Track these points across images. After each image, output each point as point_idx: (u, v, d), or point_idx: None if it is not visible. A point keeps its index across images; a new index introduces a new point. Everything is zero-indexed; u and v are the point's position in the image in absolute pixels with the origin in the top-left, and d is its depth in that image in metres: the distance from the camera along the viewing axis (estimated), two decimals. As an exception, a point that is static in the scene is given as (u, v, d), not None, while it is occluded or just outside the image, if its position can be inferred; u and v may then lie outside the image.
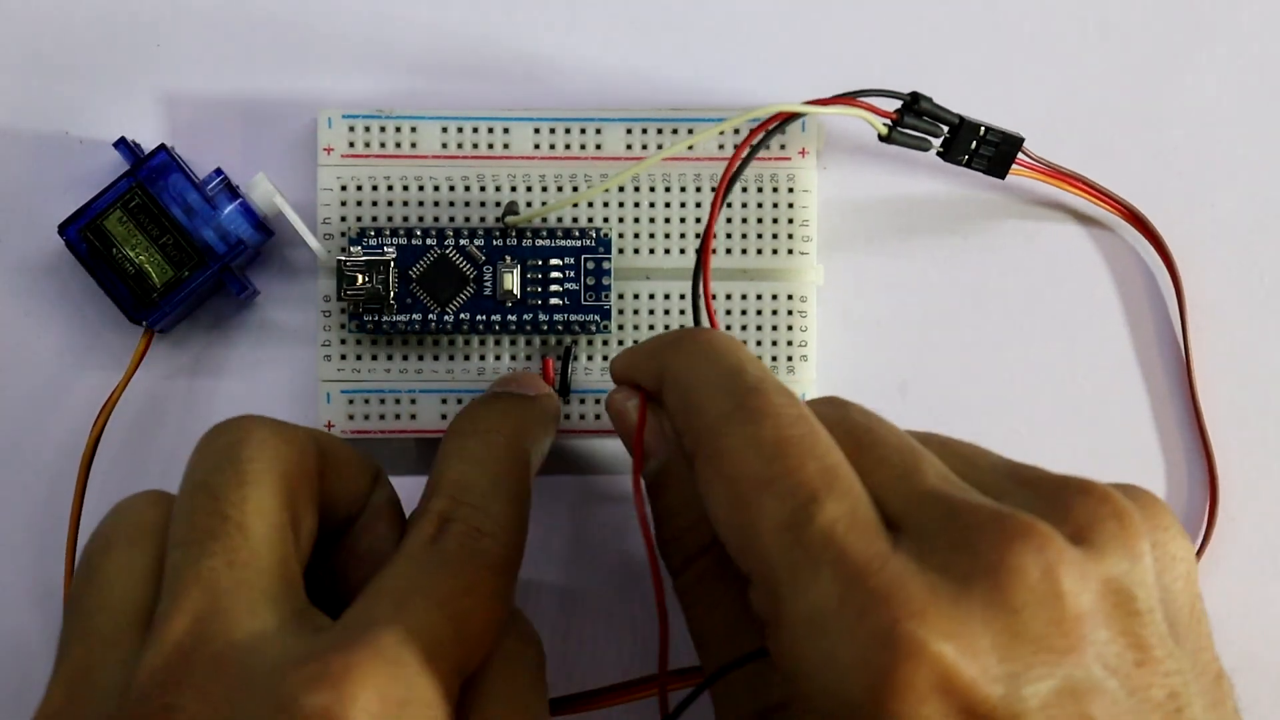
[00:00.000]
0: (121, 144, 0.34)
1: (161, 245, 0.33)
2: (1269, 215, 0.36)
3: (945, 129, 0.34)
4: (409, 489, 0.35)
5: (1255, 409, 0.35)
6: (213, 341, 0.35)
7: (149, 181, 0.33)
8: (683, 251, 0.34)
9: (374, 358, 0.34)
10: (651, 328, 0.34)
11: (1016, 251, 0.36)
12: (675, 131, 0.34)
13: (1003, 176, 0.34)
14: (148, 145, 0.34)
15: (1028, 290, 0.36)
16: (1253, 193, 0.36)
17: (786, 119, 0.33)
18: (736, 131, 0.34)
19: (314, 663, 0.23)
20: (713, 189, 0.34)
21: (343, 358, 0.34)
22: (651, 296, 0.34)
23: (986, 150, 0.34)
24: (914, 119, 0.33)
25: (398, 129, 0.34)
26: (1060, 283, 0.36)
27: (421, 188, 0.34)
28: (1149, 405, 0.35)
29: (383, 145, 0.34)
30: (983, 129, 0.34)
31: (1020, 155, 0.34)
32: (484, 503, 0.28)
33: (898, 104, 0.33)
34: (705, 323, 0.33)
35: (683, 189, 0.34)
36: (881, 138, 0.33)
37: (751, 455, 0.24)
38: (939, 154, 0.34)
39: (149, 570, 0.26)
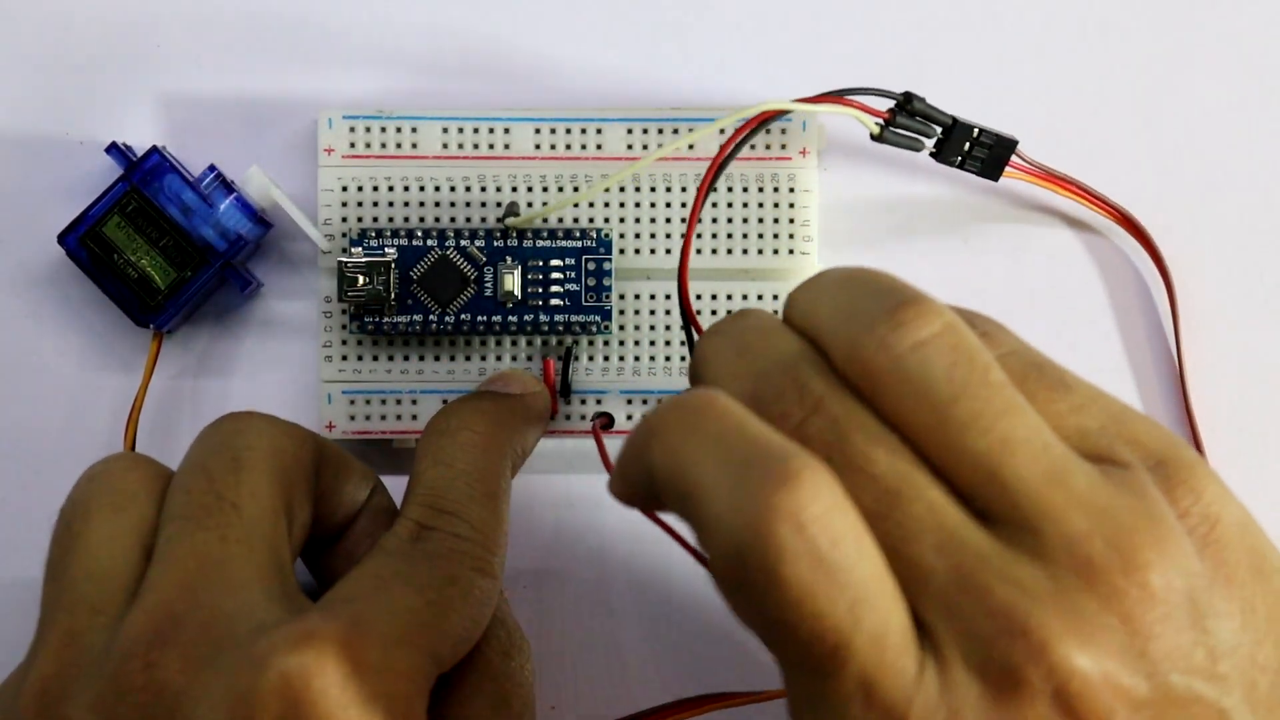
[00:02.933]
0: (113, 149, 0.34)
1: (162, 247, 0.33)
2: (1263, 220, 0.36)
3: (938, 130, 0.33)
4: (411, 490, 0.35)
5: (1247, 412, 0.35)
6: (218, 338, 0.35)
7: (144, 184, 0.33)
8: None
9: (375, 359, 0.34)
10: (652, 328, 0.34)
11: (1012, 252, 0.36)
12: (675, 131, 0.34)
13: (996, 179, 0.34)
14: (147, 146, 0.34)
15: (1022, 290, 0.36)
16: (1248, 197, 0.36)
17: (773, 116, 0.32)
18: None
19: (290, 625, 0.24)
20: (713, 188, 0.34)
21: (344, 358, 0.34)
22: (652, 297, 0.34)
23: (980, 152, 0.34)
24: (906, 119, 0.33)
25: (398, 129, 0.34)
26: (1054, 284, 0.36)
27: (422, 188, 0.34)
28: (1141, 406, 0.36)
29: (383, 146, 0.34)
30: (976, 131, 0.33)
31: (1014, 158, 0.34)
32: (459, 508, 0.28)
33: (890, 103, 0.33)
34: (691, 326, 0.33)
35: (683, 189, 0.34)
36: (873, 137, 0.33)
37: (777, 603, 0.20)
38: (931, 154, 0.34)
39: (132, 536, 0.26)
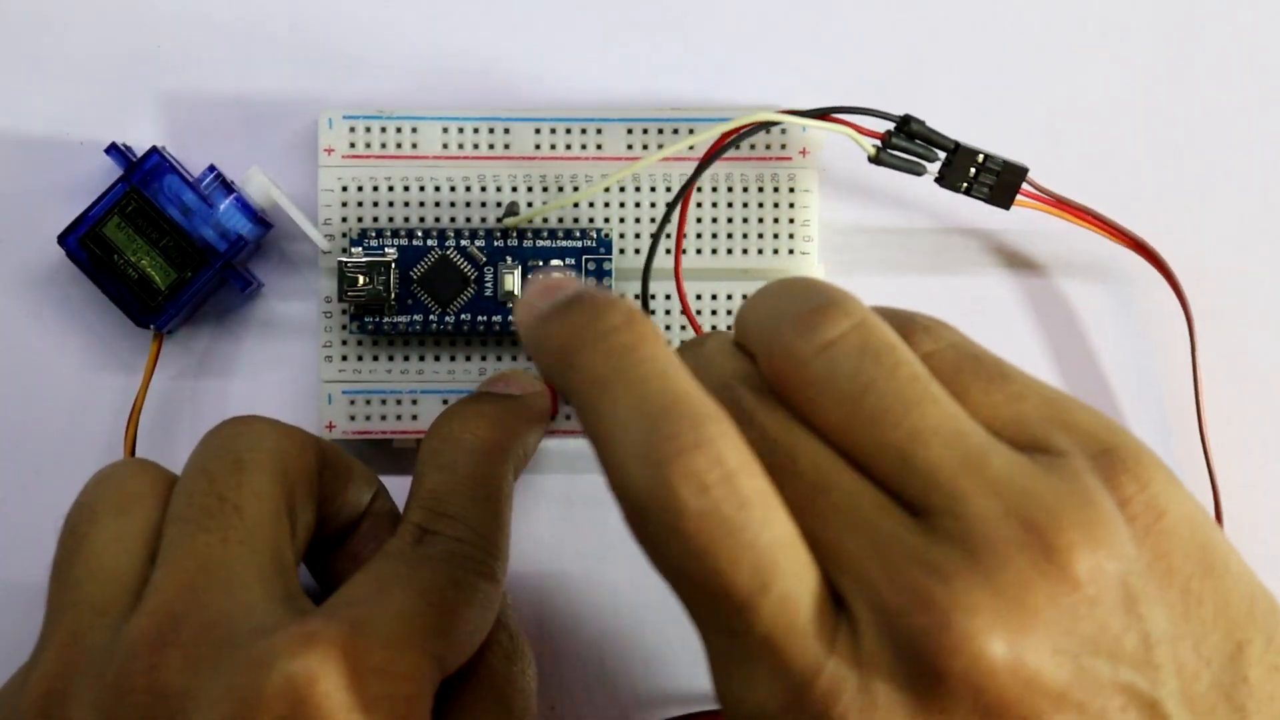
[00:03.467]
0: (113, 149, 0.34)
1: (162, 248, 0.33)
2: (1275, 244, 0.36)
3: (941, 154, 0.33)
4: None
5: (1266, 445, 0.35)
6: (218, 339, 0.35)
7: (143, 185, 0.33)
8: (684, 252, 0.34)
9: (375, 359, 0.34)
10: (652, 328, 0.34)
11: (1020, 279, 0.35)
12: (675, 131, 0.34)
13: (1007, 207, 0.33)
14: (147, 146, 0.34)
15: (1031, 317, 0.35)
16: (1266, 225, 0.36)
17: (760, 126, 0.32)
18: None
19: (293, 627, 0.24)
20: (714, 188, 0.34)
21: (344, 358, 0.34)
22: (653, 297, 0.34)
23: (987, 178, 0.33)
24: (905, 141, 0.32)
25: (398, 129, 0.34)
26: (1065, 311, 0.35)
27: (422, 188, 0.34)
28: (1153, 422, 0.35)
29: (383, 146, 0.34)
30: (981, 156, 0.33)
31: (1025, 185, 0.33)
32: (461, 512, 0.28)
33: (889, 125, 0.32)
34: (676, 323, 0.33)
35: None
36: (871, 159, 0.32)
37: (679, 555, 0.20)
38: (936, 180, 0.33)
39: (137, 539, 0.26)
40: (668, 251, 0.34)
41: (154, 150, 0.34)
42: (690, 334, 0.34)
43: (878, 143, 0.33)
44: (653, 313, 0.34)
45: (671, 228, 0.34)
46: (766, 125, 0.33)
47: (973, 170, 0.33)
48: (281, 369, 0.35)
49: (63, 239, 0.33)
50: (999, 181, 0.33)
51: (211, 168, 0.34)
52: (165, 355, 0.35)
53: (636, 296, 0.34)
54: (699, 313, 0.34)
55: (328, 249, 0.34)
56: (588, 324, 0.22)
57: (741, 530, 0.20)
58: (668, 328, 0.34)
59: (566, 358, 0.22)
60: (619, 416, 0.21)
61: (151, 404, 0.35)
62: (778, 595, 0.20)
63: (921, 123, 0.32)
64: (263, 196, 0.34)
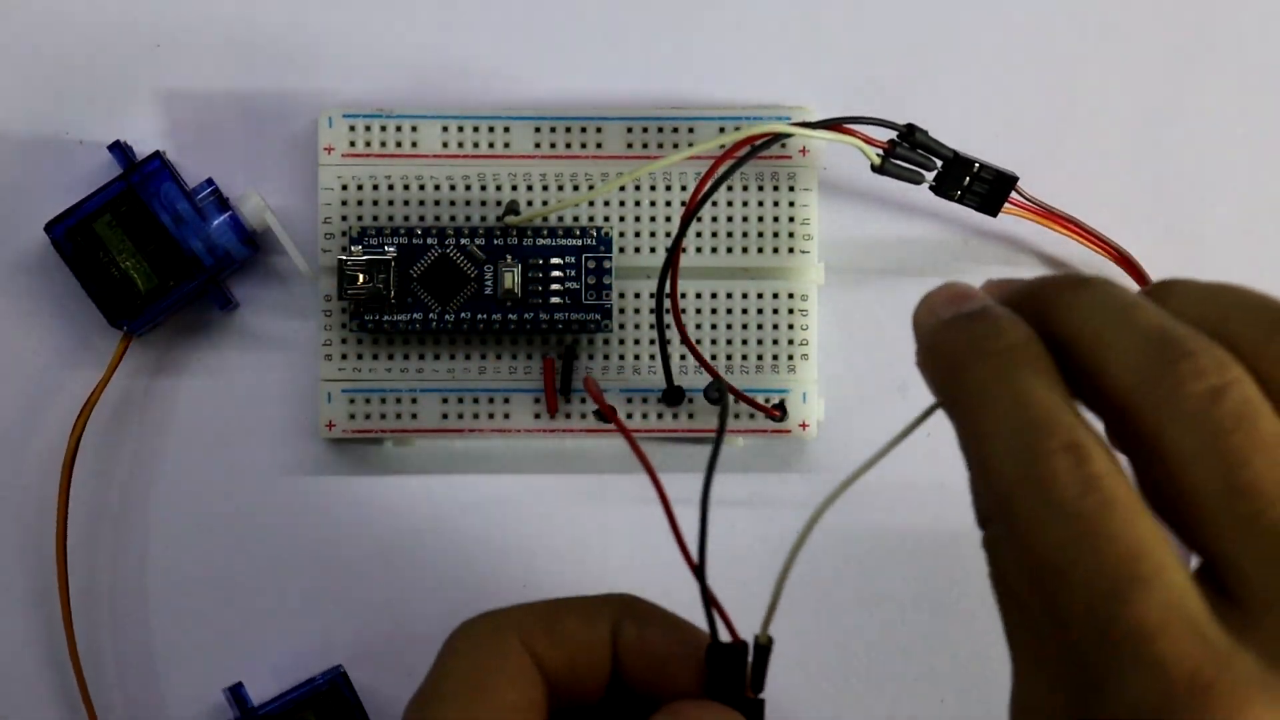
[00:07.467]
0: (116, 148, 0.34)
1: (149, 253, 0.33)
2: (1259, 263, 0.36)
3: (939, 163, 0.33)
4: (410, 488, 0.35)
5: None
6: (198, 344, 0.35)
7: (140, 187, 0.33)
8: (684, 250, 0.34)
9: (375, 357, 0.34)
10: (652, 326, 0.34)
11: (1014, 272, 0.35)
12: (675, 130, 0.34)
13: (994, 214, 0.34)
14: (147, 145, 0.34)
15: None
16: (1248, 238, 0.36)
17: (771, 137, 0.33)
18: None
19: None
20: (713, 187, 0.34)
21: (343, 357, 0.34)
22: (653, 295, 0.34)
23: (979, 187, 0.33)
24: (907, 150, 0.33)
25: (398, 128, 0.34)
26: None
27: (422, 187, 0.34)
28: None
29: (383, 145, 0.34)
30: (976, 165, 0.33)
31: (1014, 194, 0.33)
32: None
33: (892, 134, 0.33)
34: (673, 327, 0.32)
35: (684, 188, 0.34)
36: (874, 168, 0.33)
37: (1053, 529, 0.20)
38: (931, 188, 0.33)
39: None
40: (683, 250, 0.34)
41: (156, 155, 0.33)
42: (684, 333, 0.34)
43: (881, 151, 0.33)
44: (698, 312, 0.34)
45: (673, 228, 0.34)
46: (780, 137, 0.33)
47: (966, 179, 0.33)
48: (281, 368, 0.35)
49: (50, 227, 0.33)
50: (989, 190, 0.33)
51: (209, 181, 0.34)
52: (153, 354, 0.34)
53: (652, 295, 0.34)
54: (699, 311, 0.34)
55: (312, 277, 0.34)
56: (985, 339, 0.22)
57: (1115, 517, 0.20)
58: (667, 325, 0.34)
59: (956, 366, 0.22)
60: (998, 421, 0.21)
61: (136, 405, 0.34)
62: (1162, 583, 0.19)
63: (925, 132, 0.33)
64: (256, 218, 0.34)
